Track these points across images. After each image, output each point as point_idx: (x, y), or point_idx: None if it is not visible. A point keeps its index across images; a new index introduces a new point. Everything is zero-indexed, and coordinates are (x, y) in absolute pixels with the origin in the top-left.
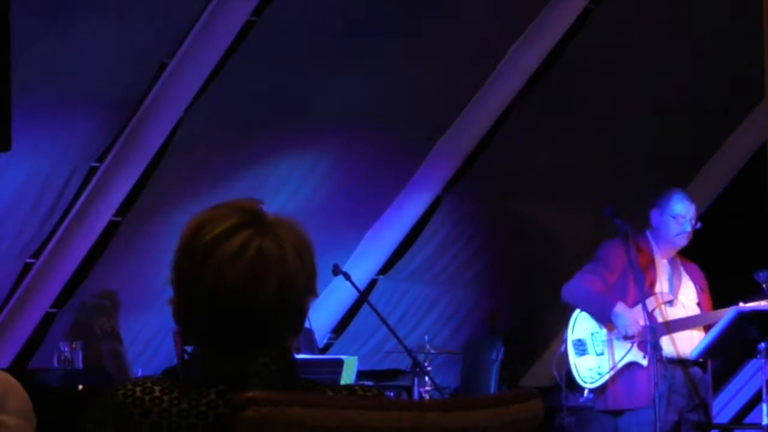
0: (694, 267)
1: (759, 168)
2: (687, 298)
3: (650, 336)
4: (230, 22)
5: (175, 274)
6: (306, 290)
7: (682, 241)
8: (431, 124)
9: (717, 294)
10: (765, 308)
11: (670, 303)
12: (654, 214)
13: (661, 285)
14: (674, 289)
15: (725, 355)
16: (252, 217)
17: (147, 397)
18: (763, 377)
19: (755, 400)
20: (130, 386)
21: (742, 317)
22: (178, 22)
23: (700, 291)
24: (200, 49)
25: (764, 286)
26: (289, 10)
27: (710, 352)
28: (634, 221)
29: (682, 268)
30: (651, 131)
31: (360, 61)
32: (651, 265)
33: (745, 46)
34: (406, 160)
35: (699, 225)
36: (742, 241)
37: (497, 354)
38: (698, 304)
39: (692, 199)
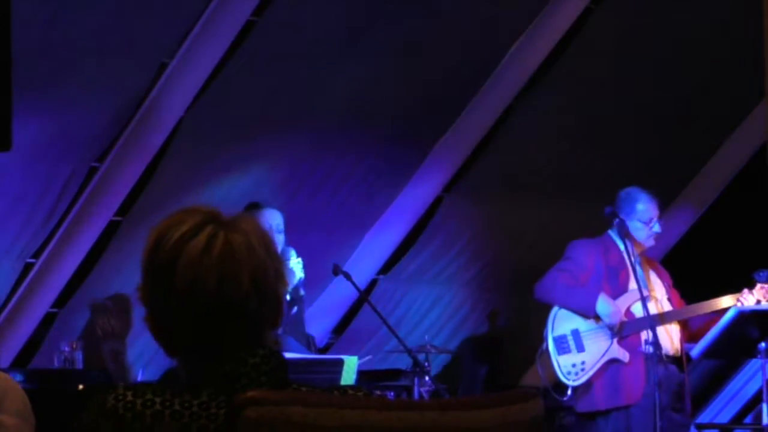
0: (658, 266)
1: (759, 168)
2: (659, 295)
3: (651, 331)
4: (230, 22)
5: (145, 286)
6: (277, 280)
7: (651, 242)
8: (431, 124)
9: (717, 294)
10: (765, 308)
11: (647, 299)
12: (615, 220)
13: (633, 282)
14: (646, 285)
15: (725, 355)
16: (212, 216)
17: (138, 401)
18: (763, 377)
19: (755, 400)
20: (121, 390)
21: (742, 317)
22: (178, 22)
23: (668, 287)
24: (200, 49)
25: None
26: (289, 10)
27: (710, 351)
28: None
29: (648, 267)
30: (651, 131)
31: (360, 61)
32: (621, 263)
33: (745, 46)
34: (406, 160)
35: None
36: (742, 241)
37: (497, 354)
38: (669, 299)
39: (653, 197)
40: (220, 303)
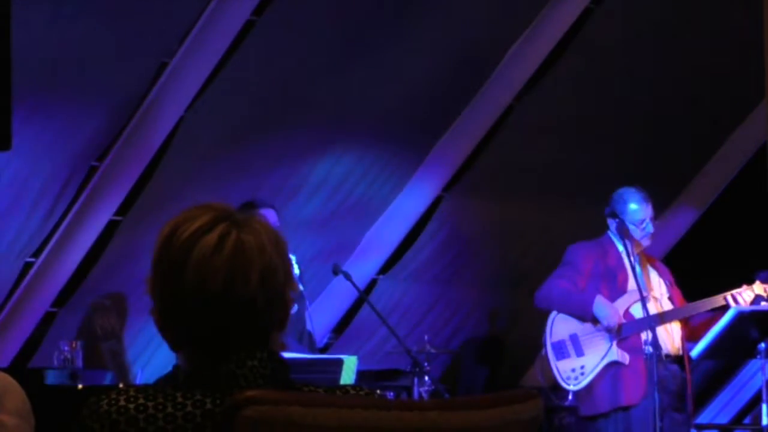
0: (659, 263)
1: (759, 168)
2: (659, 294)
3: (650, 332)
4: (230, 22)
5: (154, 279)
6: (286, 282)
7: (647, 242)
8: (431, 124)
9: (717, 294)
10: (765, 308)
11: (646, 299)
12: (611, 221)
13: (632, 283)
14: (645, 286)
15: (725, 355)
16: (226, 214)
17: (131, 406)
18: (763, 377)
19: (755, 400)
20: (114, 396)
21: (742, 317)
22: (178, 22)
23: (669, 286)
24: (200, 49)
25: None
26: (289, 10)
27: (710, 352)
28: None
29: (648, 266)
30: (651, 131)
31: (360, 60)
32: (620, 264)
33: (745, 46)
34: (406, 160)
35: None
36: (742, 241)
37: (497, 354)
38: (669, 298)
39: (646, 197)
40: (227, 301)
